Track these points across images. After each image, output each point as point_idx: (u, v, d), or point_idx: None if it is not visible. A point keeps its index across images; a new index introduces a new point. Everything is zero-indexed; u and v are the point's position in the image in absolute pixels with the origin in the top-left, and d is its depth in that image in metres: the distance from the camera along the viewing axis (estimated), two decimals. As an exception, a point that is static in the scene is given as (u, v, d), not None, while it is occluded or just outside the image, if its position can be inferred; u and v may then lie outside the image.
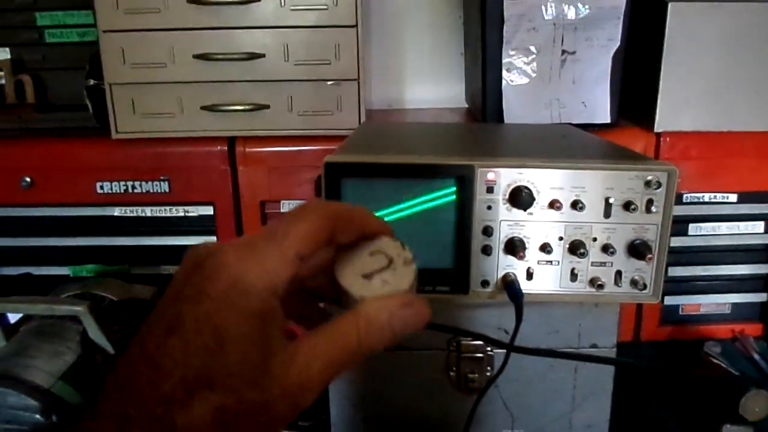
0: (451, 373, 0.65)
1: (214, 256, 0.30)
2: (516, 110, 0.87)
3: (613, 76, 0.87)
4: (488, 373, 0.65)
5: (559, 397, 0.66)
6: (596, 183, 0.52)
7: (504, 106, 0.87)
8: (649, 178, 0.51)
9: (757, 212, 0.97)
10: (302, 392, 0.29)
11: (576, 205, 0.52)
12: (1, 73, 0.97)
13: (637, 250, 0.52)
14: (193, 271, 0.30)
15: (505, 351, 0.55)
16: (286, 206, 0.94)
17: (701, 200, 0.96)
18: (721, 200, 0.96)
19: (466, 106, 1.15)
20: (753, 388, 0.79)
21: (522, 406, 0.66)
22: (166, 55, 0.85)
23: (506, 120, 0.87)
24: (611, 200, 0.51)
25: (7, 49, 0.99)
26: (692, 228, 0.97)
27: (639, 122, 0.91)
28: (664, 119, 0.87)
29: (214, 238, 0.96)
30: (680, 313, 1.02)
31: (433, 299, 0.54)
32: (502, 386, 0.65)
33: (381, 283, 0.33)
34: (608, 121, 0.88)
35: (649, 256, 0.52)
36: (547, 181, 0.52)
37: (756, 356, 0.94)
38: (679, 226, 0.96)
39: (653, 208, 0.51)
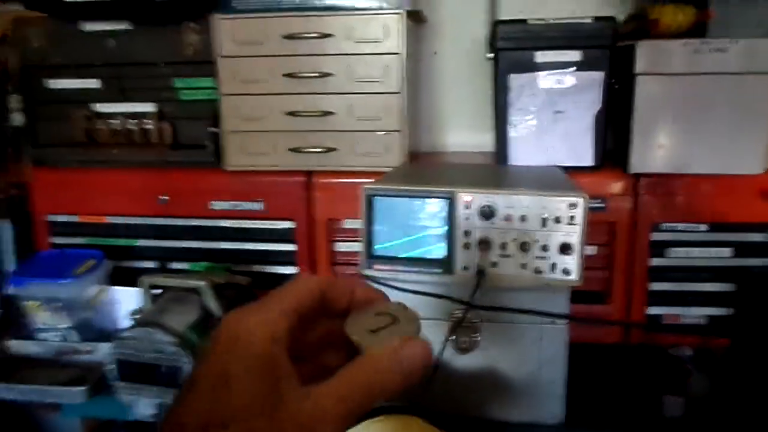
0: (452, 337, 0.92)
1: (221, 323, 0.34)
2: (519, 154, 1.15)
3: (595, 130, 1.13)
4: (476, 338, 0.92)
5: (528, 360, 0.92)
6: (536, 204, 0.79)
7: (509, 152, 1.15)
8: (570, 201, 0.78)
9: (725, 240, 1.19)
10: (316, 424, 0.31)
11: (523, 218, 0.80)
12: (150, 121, 1.34)
13: (565, 249, 0.79)
14: (211, 337, 0.34)
15: (477, 318, 0.83)
16: (346, 223, 1.24)
17: (676, 229, 1.19)
18: (693, 230, 1.19)
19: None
20: (697, 372, 1.01)
21: (501, 366, 0.93)
22: (267, 112, 1.19)
23: (511, 162, 1.15)
24: (545, 216, 0.79)
25: (153, 103, 1.36)
26: (671, 252, 1.20)
27: (619, 165, 1.16)
28: (637, 163, 1.12)
29: (294, 246, 1.28)
30: (662, 322, 1.24)
31: (430, 276, 0.83)
32: (487, 349, 0.92)
33: (388, 334, 0.37)
34: (592, 164, 1.14)
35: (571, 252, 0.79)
36: (503, 203, 0.80)
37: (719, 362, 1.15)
38: (659, 249, 1.19)
39: (574, 221, 0.78)
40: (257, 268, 1.29)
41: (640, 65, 1.08)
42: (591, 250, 1.18)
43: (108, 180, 1.31)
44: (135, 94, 1.32)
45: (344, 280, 0.40)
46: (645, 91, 1.10)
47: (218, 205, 1.27)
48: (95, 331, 1.24)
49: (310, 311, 0.37)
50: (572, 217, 0.78)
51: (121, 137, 1.32)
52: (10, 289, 1.20)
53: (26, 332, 1.24)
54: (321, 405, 0.32)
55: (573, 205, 0.78)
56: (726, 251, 1.18)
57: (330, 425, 0.31)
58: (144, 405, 1.00)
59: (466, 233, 0.82)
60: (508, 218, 0.80)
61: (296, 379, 0.32)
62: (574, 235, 0.79)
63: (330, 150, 1.20)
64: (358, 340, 0.37)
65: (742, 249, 1.17)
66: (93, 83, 1.33)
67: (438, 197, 0.82)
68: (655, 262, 1.19)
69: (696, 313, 1.22)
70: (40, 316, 1.20)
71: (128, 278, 1.27)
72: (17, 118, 1.44)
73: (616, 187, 1.15)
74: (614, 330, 1.22)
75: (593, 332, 1.20)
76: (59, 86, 1.34)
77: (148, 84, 1.32)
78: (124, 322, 1.21)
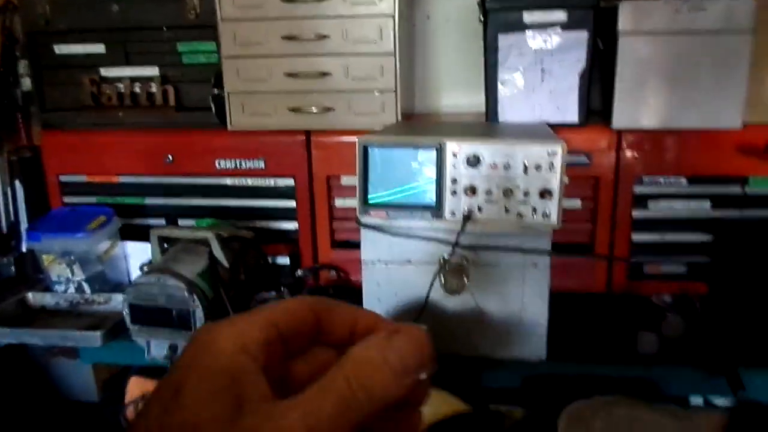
0: (442, 280, 0.99)
1: (193, 334, 0.32)
2: (508, 113, 1.21)
3: (580, 88, 1.18)
4: (465, 281, 0.99)
5: (512, 300, 0.99)
6: (518, 153, 0.86)
7: (499, 110, 1.21)
8: (549, 150, 0.84)
9: (704, 192, 1.25)
10: None
11: (506, 166, 0.86)
12: (154, 84, 1.40)
13: (544, 194, 0.86)
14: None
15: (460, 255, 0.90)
16: (344, 180, 1.30)
17: (657, 182, 1.25)
18: (674, 183, 1.25)
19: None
20: (672, 313, 1.08)
21: (488, 306, 1.00)
22: (266, 73, 1.25)
23: (501, 120, 1.21)
24: (526, 163, 0.85)
25: (157, 67, 1.41)
26: (651, 204, 1.26)
27: (603, 122, 1.22)
28: (619, 119, 1.18)
29: (294, 203, 1.34)
30: (644, 272, 1.31)
31: (421, 221, 0.90)
32: (475, 291, 0.99)
33: None
34: (576, 121, 1.20)
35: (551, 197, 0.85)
36: (488, 152, 0.86)
37: (696, 306, 1.21)
38: (640, 202, 1.26)
39: (553, 168, 0.85)
40: (260, 224, 1.36)
41: (623, 24, 1.13)
42: (576, 203, 1.24)
43: (116, 141, 1.37)
44: (139, 58, 1.38)
45: (345, 305, 0.34)
46: (628, 49, 1.15)
47: (222, 163, 1.33)
48: (108, 283, 1.31)
49: (299, 333, 0.32)
50: (551, 164, 0.85)
51: (127, 100, 1.38)
52: (27, 244, 1.27)
53: (43, 285, 1.31)
54: (286, 423, 0.27)
55: (552, 153, 0.84)
56: (705, 203, 1.24)
57: None
58: (156, 347, 1.08)
59: (454, 181, 0.88)
60: (493, 166, 0.86)
61: (265, 395, 0.28)
62: (553, 181, 0.85)
63: (328, 110, 1.26)
64: None
65: (719, 201, 1.24)
66: (98, 48, 1.38)
67: (428, 147, 0.88)
68: (637, 214, 1.25)
69: (676, 263, 1.29)
70: (55, 270, 1.27)
71: (138, 235, 1.34)
72: (25, 83, 1.50)
73: (601, 142, 1.21)
74: (598, 279, 1.29)
75: (580, 282, 1.27)
76: (65, 51, 1.39)
77: (151, 48, 1.37)
78: (136, 275, 1.28)
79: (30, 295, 1.28)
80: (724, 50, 1.13)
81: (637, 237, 1.27)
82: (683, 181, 1.24)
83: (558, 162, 0.84)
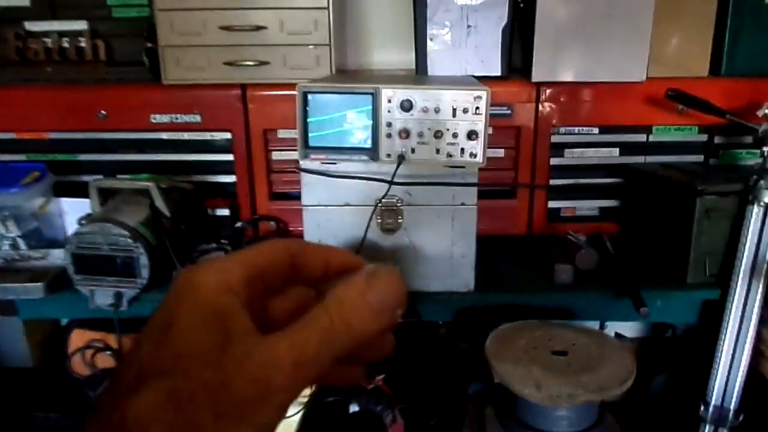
0: (378, 220, 1.06)
1: (177, 276, 0.32)
2: (437, 67, 1.28)
3: (503, 43, 1.27)
4: (400, 220, 1.06)
5: (443, 237, 1.07)
6: (447, 98, 0.93)
7: (428, 65, 1.28)
8: (475, 95, 0.92)
9: (613, 141, 1.37)
10: (266, 371, 0.28)
11: (437, 110, 0.93)
12: (83, 39, 1.37)
13: (471, 135, 0.94)
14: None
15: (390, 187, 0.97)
16: (281, 133, 1.35)
17: (572, 132, 1.36)
18: (587, 132, 1.37)
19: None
20: (587, 246, 1.20)
21: (421, 243, 1.08)
22: (201, 26, 1.26)
23: (429, 74, 1.28)
24: (455, 107, 0.93)
25: (85, 21, 1.38)
26: (567, 152, 1.37)
27: (524, 76, 1.31)
28: (539, 73, 1.27)
29: (231, 156, 1.37)
30: (561, 214, 1.43)
31: (358, 163, 0.96)
32: (409, 230, 1.07)
33: None
34: (499, 74, 1.29)
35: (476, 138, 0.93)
36: (420, 97, 0.93)
37: (607, 243, 1.34)
38: (557, 150, 1.37)
39: (479, 111, 0.93)
40: (198, 178, 1.38)
41: (540, -17, 1.22)
42: (499, 152, 1.34)
43: (45, 97, 1.35)
44: (66, 12, 1.35)
45: (318, 245, 0.36)
46: (545, 7, 1.24)
47: (157, 118, 1.34)
48: (44, 240, 1.30)
49: (276, 273, 0.34)
50: (477, 108, 0.93)
51: (55, 55, 1.35)
52: (-45, 201, 1.24)
53: (-27, 242, 1.29)
54: (274, 352, 0.28)
55: (478, 97, 0.92)
56: (614, 150, 1.37)
57: (285, 373, 0.28)
58: (101, 295, 1.10)
59: (389, 124, 0.94)
60: (424, 110, 0.93)
61: (250, 329, 0.29)
62: (479, 123, 0.93)
63: (263, 63, 1.29)
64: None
65: (627, 148, 1.36)
66: (22, 1, 1.35)
67: (364, 93, 0.94)
68: (555, 161, 1.37)
69: (590, 206, 1.41)
70: (-12, 226, 1.25)
71: (73, 191, 1.33)
72: (-58, 38, 1.44)
73: (521, 95, 1.30)
74: (520, 223, 1.40)
75: (503, 225, 1.38)
76: (-15, 4, 1.35)
77: (79, 2, 1.35)
78: (72, 230, 1.28)
79: (-39, 252, 1.26)
80: (631, 9, 1.24)
81: (555, 182, 1.38)
82: (595, 130, 1.36)
83: (483, 105, 0.92)
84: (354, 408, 1.09)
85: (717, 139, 1.36)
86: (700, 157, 1.38)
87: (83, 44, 1.37)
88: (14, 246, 1.28)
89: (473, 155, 0.95)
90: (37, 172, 1.28)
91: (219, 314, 0.29)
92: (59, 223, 1.33)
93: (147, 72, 1.34)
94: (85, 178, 1.39)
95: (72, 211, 1.33)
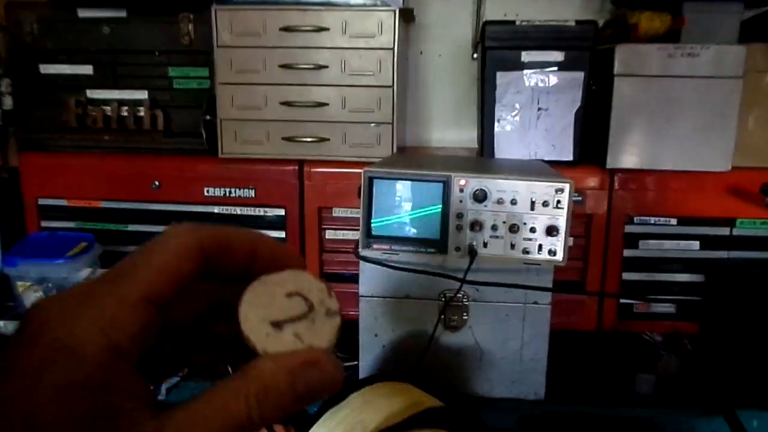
0: (441, 316, 0.97)
1: (37, 313, 0.24)
2: (503, 149, 1.21)
3: (575, 127, 1.20)
4: (465, 317, 0.97)
5: (512, 338, 0.97)
6: (526, 189, 0.85)
7: (495, 146, 1.21)
8: (557, 187, 0.84)
9: (693, 233, 1.27)
10: None
11: (513, 202, 0.85)
12: (142, 108, 1.36)
13: (551, 231, 0.85)
14: (15, 337, 0.23)
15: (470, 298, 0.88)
16: (337, 212, 1.29)
17: (648, 222, 1.26)
18: (664, 223, 1.27)
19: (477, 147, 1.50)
20: (668, 353, 1.08)
21: (488, 344, 0.98)
22: (261, 101, 1.23)
23: (496, 156, 1.21)
24: (533, 199, 0.85)
25: (146, 91, 1.38)
26: (641, 243, 1.27)
27: (596, 161, 1.23)
28: (613, 159, 1.19)
29: (284, 234, 1.31)
30: (634, 310, 1.31)
31: (424, 255, 0.88)
32: (475, 328, 0.98)
33: (293, 338, 0.27)
34: (571, 159, 1.21)
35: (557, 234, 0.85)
36: (496, 187, 0.86)
37: (688, 346, 1.22)
38: (631, 241, 1.27)
39: (560, 205, 0.84)
40: (247, 254, 1.32)
41: (618, 67, 1.15)
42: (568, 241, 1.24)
43: (100, 165, 1.33)
44: (128, 81, 1.35)
45: (242, 231, 0.29)
46: (622, 91, 1.17)
47: (211, 191, 1.30)
48: (86, 313, 1.25)
49: (185, 282, 0.27)
50: (559, 202, 0.84)
51: (114, 123, 1.34)
52: (2, 269, 1.21)
53: (15, 313, 1.25)
54: None
55: (560, 190, 0.84)
56: (694, 244, 1.26)
57: None
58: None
59: (459, 215, 0.87)
60: (499, 201, 0.85)
61: (139, 406, 0.23)
62: (560, 218, 0.85)
63: (322, 140, 1.24)
64: (251, 337, 0.27)
65: (708, 242, 1.25)
66: (86, 69, 1.35)
67: (435, 181, 0.87)
68: (628, 253, 1.26)
69: (666, 303, 1.30)
70: (31, 297, 1.21)
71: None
72: (7, 102, 1.45)
73: (594, 181, 1.22)
74: (589, 317, 1.29)
75: (570, 319, 1.27)
76: (51, 71, 1.35)
77: (142, 72, 1.34)
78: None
79: (1, 324, 1.22)
80: (714, 95, 1.16)
81: (628, 276, 1.27)
82: (673, 221, 1.25)
83: (566, 199, 0.84)
84: None
85: (810, 236, 1.24)
86: (789, 255, 1.26)
87: (142, 113, 1.35)
88: (55, 318, 1.22)
89: (552, 253, 0.86)
90: (85, 243, 1.24)
91: (100, 393, 0.22)
92: (103, 295, 1.28)
93: (204, 144, 1.31)
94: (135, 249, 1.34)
95: (117, 284, 1.28)
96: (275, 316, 0.27)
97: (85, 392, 0.22)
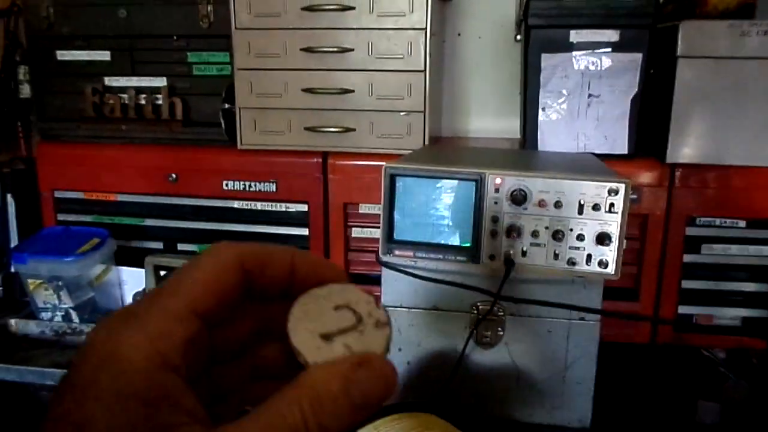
0: (473, 331, 0.86)
1: (92, 332, 0.24)
2: (548, 141, 1.08)
3: (631, 116, 1.06)
4: (500, 333, 0.86)
5: (555, 358, 0.86)
6: (573, 189, 0.73)
7: (539, 137, 1.08)
8: (610, 187, 0.72)
9: (763, 237, 1.12)
10: None
11: (558, 204, 0.73)
12: (160, 96, 1.29)
13: (602, 239, 0.73)
14: (75, 357, 0.24)
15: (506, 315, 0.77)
16: (363, 208, 1.19)
17: (713, 224, 1.12)
18: (731, 225, 1.12)
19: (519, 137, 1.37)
20: (734, 376, 0.95)
21: (526, 364, 0.87)
22: (282, 88, 1.13)
23: (540, 148, 1.09)
24: (582, 201, 0.73)
25: (165, 78, 1.30)
26: (704, 248, 1.13)
27: (654, 155, 1.10)
28: (674, 152, 1.05)
29: (307, 231, 1.22)
30: (693, 322, 1.17)
31: (453, 264, 0.77)
32: (511, 345, 0.86)
33: (343, 349, 0.27)
34: (626, 152, 1.07)
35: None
36: (537, 187, 0.74)
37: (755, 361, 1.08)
38: (693, 245, 1.13)
39: (614, 209, 0.72)
40: (268, 252, 1.23)
41: (682, 47, 1.01)
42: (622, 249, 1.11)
43: (116, 156, 1.26)
44: (146, 67, 1.27)
45: (281, 247, 0.30)
46: (686, 75, 1.03)
47: (230, 184, 1.22)
48: (99, 311, 1.19)
49: (228, 300, 0.27)
50: (612, 205, 0.72)
51: (131, 112, 1.27)
52: (12, 266, 1.15)
53: (27, 311, 1.19)
54: None
55: (614, 192, 0.72)
56: (765, 249, 1.11)
57: None
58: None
59: (494, 219, 0.75)
60: (541, 204, 0.74)
61: (194, 419, 0.23)
62: (613, 224, 0.73)
63: (348, 130, 1.14)
64: (301, 350, 0.26)
65: (782, 248, 1.10)
66: (103, 56, 1.28)
67: (465, 179, 0.76)
68: (689, 258, 1.12)
69: (730, 314, 1.15)
70: (42, 295, 1.15)
71: (135, 258, 1.23)
72: (25, 90, 1.40)
73: (651, 177, 1.08)
74: (643, 329, 1.16)
75: (620, 330, 1.14)
76: (68, 58, 1.29)
77: (160, 57, 1.27)
78: (129, 302, 1.16)
79: (12, 322, 1.17)
80: (796, 79, 1.01)
81: (688, 284, 1.13)
82: (742, 223, 1.11)
83: (620, 202, 0.72)
84: None
85: None
86: None
87: (160, 101, 1.28)
88: (66, 317, 1.17)
89: (603, 264, 0.74)
90: (97, 239, 1.18)
91: (151, 406, 0.22)
92: (117, 292, 1.22)
93: (223, 134, 1.22)
94: (151, 244, 1.28)
95: (131, 281, 1.22)
96: (325, 329, 0.27)
97: (133, 403, 0.22)
